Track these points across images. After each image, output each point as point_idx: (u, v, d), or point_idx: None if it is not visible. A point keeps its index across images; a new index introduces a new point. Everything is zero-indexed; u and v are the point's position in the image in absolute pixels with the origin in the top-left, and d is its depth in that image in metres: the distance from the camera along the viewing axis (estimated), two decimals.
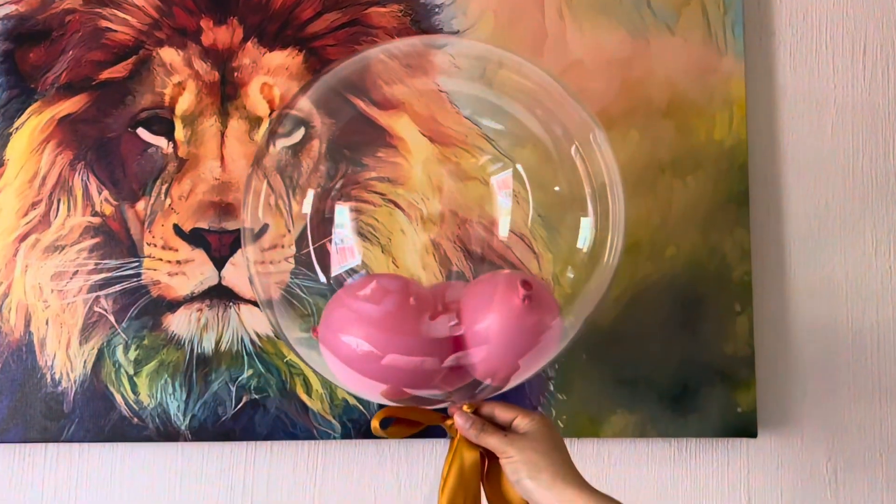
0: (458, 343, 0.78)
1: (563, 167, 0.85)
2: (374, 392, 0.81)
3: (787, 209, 1.15)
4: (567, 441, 1.08)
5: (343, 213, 0.84)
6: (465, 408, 0.83)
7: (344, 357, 0.79)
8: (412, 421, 0.84)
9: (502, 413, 0.83)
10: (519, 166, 0.84)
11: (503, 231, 0.86)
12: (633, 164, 1.10)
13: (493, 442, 0.80)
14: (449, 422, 0.84)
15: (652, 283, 1.10)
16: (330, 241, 0.94)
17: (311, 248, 0.89)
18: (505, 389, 0.84)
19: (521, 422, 0.81)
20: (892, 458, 1.13)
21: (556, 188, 0.85)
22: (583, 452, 1.11)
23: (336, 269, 0.82)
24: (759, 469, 1.12)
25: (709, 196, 1.11)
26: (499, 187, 0.85)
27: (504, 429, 0.81)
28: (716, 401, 1.08)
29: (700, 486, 1.12)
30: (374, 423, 0.82)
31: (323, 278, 0.83)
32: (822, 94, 1.17)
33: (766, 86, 1.17)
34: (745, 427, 1.08)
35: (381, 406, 0.85)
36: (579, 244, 0.84)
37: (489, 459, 0.83)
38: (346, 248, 0.82)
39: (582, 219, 0.84)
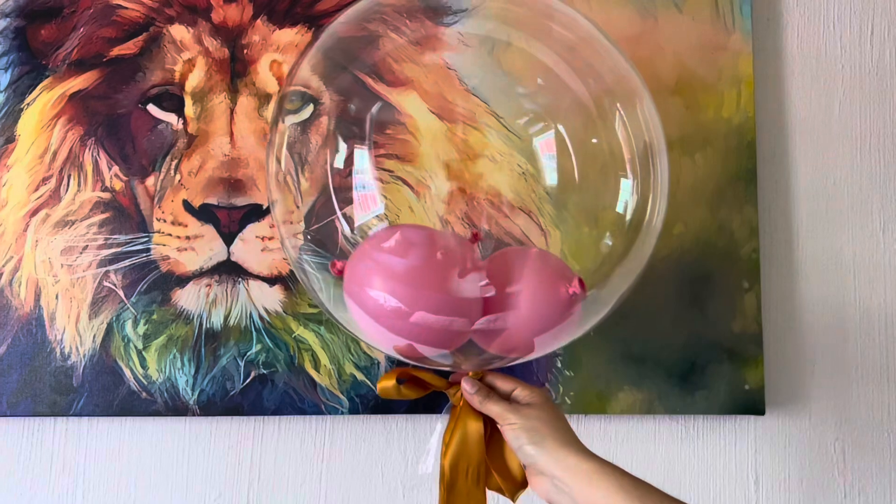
0: (485, 307, 0.77)
1: (605, 126, 0.83)
2: (389, 345, 0.81)
3: (796, 187, 1.15)
4: (574, 418, 1.09)
5: (363, 158, 0.82)
6: (470, 374, 0.83)
7: (371, 311, 0.77)
8: (420, 383, 0.84)
9: (503, 383, 0.84)
10: (561, 127, 0.82)
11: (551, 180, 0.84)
12: None
13: (495, 409, 0.81)
14: (452, 389, 0.84)
15: (660, 260, 1.10)
16: (337, 218, 0.95)
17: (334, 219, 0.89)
18: (516, 363, 0.84)
19: (521, 393, 0.82)
20: None
21: (594, 140, 0.82)
22: (590, 429, 1.11)
23: (359, 219, 0.80)
24: (767, 447, 1.12)
25: (717, 173, 1.11)
26: (542, 150, 0.83)
27: (505, 398, 0.82)
28: (723, 378, 1.08)
29: (707, 463, 1.12)
30: (386, 384, 0.82)
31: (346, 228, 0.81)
32: (829, 74, 1.18)
33: (774, 64, 1.17)
34: (752, 404, 1.08)
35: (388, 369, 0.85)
36: (619, 209, 0.82)
37: (491, 428, 0.83)
38: (367, 195, 0.81)
39: (622, 180, 0.82)
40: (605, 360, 1.09)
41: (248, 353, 1.07)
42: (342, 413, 1.07)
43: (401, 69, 1.11)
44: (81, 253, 1.07)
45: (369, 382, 1.07)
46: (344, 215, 0.93)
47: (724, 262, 1.10)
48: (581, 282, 0.77)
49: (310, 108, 1.11)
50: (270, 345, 1.07)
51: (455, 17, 1.14)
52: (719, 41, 1.13)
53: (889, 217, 1.15)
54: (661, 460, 1.12)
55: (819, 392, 1.13)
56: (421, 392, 0.85)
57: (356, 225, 0.80)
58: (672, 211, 1.09)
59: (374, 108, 0.89)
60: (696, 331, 1.09)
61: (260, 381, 1.06)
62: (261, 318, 1.07)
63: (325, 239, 0.95)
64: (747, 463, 1.12)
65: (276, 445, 1.09)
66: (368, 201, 0.81)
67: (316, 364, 1.07)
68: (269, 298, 1.07)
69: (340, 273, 0.79)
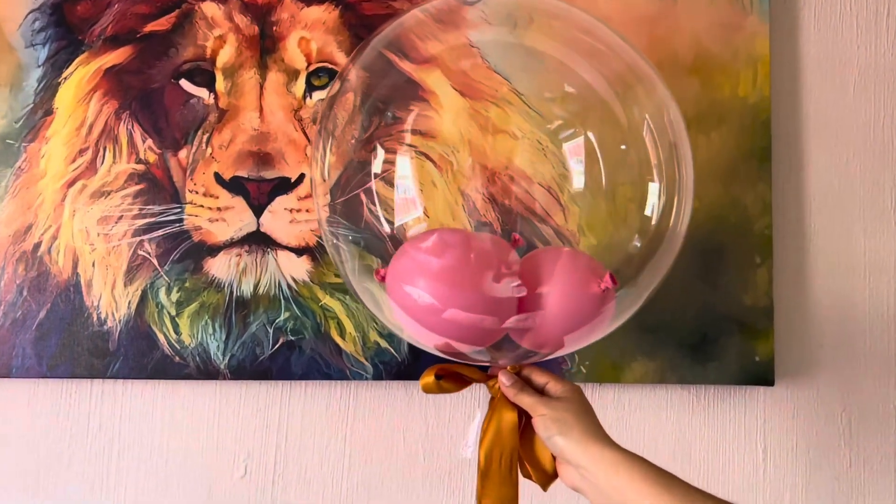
0: (517, 305, 0.80)
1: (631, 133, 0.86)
2: (429, 342, 0.83)
3: (808, 165, 1.18)
4: (588, 386, 1.13)
5: (405, 165, 0.85)
6: (508, 368, 0.86)
7: (406, 307, 0.80)
8: (461, 378, 0.87)
9: (538, 377, 0.86)
10: (591, 134, 0.85)
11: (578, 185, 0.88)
12: None
13: (528, 401, 0.83)
14: (491, 382, 0.87)
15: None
16: (363, 190, 0.98)
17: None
18: (546, 359, 0.88)
19: (554, 386, 0.85)
20: None
21: (623, 146, 0.85)
22: (604, 398, 1.15)
23: (399, 219, 0.84)
24: (775, 417, 1.16)
25: (731, 151, 1.14)
26: (570, 153, 0.86)
27: (538, 391, 0.85)
28: (734, 349, 1.12)
29: (717, 433, 1.16)
30: (427, 379, 0.85)
31: (384, 227, 0.85)
32: (844, 54, 1.20)
33: (790, 45, 1.19)
34: (762, 375, 1.12)
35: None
36: (647, 211, 0.84)
37: (525, 419, 0.86)
38: (408, 198, 0.84)
39: (650, 184, 0.84)
40: (619, 331, 1.10)
41: (277, 321, 1.11)
42: (366, 378, 1.11)
43: (424, 46, 1.14)
44: (117, 223, 1.11)
45: (392, 350, 1.11)
46: (367, 191, 0.96)
47: (737, 237, 1.13)
48: (612, 277, 0.80)
49: (336, 85, 1.14)
50: (298, 313, 1.11)
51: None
52: (736, 21, 1.15)
53: None
54: (671, 428, 1.16)
55: (827, 364, 1.17)
56: (461, 386, 0.87)
57: (396, 225, 0.84)
58: None
59: (412, 116, 0.92)
60: (709, 303, 1.13)
61: (288, 347, 1.11)
62: (289, 287, 1.11)
63: (350, 211, 0.98)
64: (756, 432, 1.16)
65: (303, 409, 1.14)
66: (409, 204, 0.84)
67: (342, 332, 1.11)
68: (297, 268, 1.11)
69: (384, 279, 0.82)
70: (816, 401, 1.17)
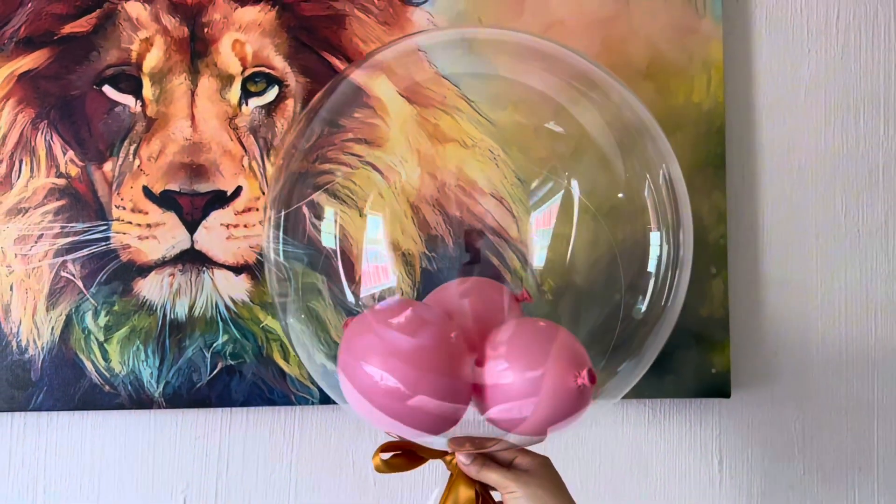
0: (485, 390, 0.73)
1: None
2: (381, 425, 0.76)
3: (762, 172, 1.16)
4: None
5: (377, 224, 0.78)
6: (468, 446, 0.80)
7: (363, 388, 0.72)
8: (414, 456, 0.82)
9: (505, 451, 0.81)
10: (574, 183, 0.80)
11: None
12: None
13: (494, 477, 0.78)
14: (448, 457, 0.82)
15: (629, 246, 1.09)
16: (306, 204, 0.91)
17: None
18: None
19: (523, 460, 0.80)
20: (857, 417, 1.16)
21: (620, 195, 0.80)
22: None
23: (366, 291, 0.76)
24: (731, 428, 1.14)
25: (687, 159, 1.10)
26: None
27: (505, 466, 0.80)
28: (691, 362, 1.09)
29: (673, 445, 1.14)
30: (377, 461, 0.80)
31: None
32: (796, 57, 1.17)
33: (743, 48, 1.16)
34: (719, 387, 1.10)
35: None
36: (650, 267, 0.79)
37: (484, 496, 0.81)
38: (379, 266, 0.77)
39: (650, 233, 0.78)
40: None
41: (215, 344, 1.04)
42: (312, 403, 1.05)
43: (368, 50, 1.07)
44: (36, 242, 1.02)
45: None
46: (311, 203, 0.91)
47: (693, 247, 1.10)
48: (591, 372, 0.73)
49: (274, 91, 1.07)
50: (238, 335, 1.04)
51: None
52: (691, 24, 1.11)
53: (849, 201, 1.17)
54: (628, 442, 1.13)
55: (781, 374, 1.15)
56: (417, 464, 0.82)
57: (361, 297, 0.76)
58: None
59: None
60: None
61: (227, 372, 1.04)
62: (227, 307, 1.04)
63: (292, 227, 0.92)
64: (712, 443, 1.14)
65: (245, 436, 1.07)
66: (380, 273, 0.77)
67: (285, 354, 1.05)
68: (236, 288, 1.04)
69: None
70: (771, 411, 1.15)
